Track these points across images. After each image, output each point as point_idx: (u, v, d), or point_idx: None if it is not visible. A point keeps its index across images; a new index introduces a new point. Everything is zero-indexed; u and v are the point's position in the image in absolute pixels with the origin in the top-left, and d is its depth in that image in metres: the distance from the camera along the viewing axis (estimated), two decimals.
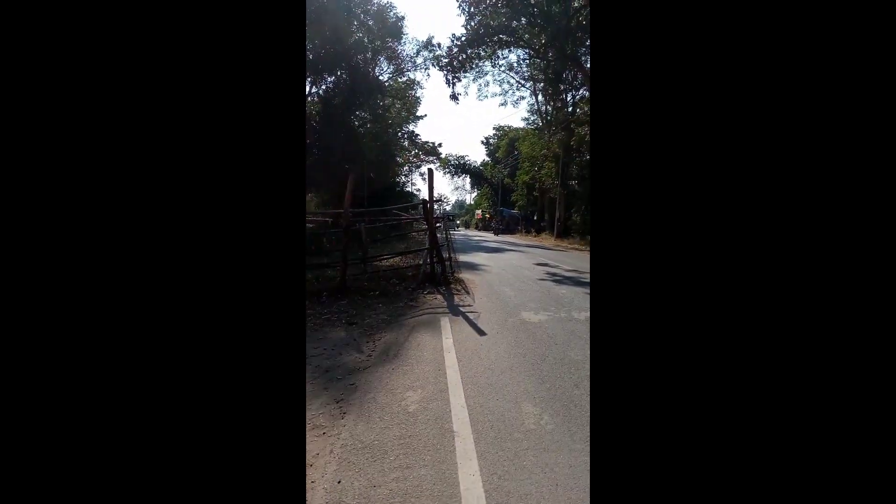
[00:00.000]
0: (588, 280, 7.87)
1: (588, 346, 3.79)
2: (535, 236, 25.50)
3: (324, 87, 19.31)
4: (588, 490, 1.82)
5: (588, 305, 5.49)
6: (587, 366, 3.32)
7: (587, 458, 2.05)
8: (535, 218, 30.18)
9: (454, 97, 21.96)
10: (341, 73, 18.75)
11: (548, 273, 8.71)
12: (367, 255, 7.17)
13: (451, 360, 3.43)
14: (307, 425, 2.38)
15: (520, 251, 14.37)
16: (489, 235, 27.92)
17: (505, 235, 26.90)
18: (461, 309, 5.28)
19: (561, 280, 7.81)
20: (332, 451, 2.12)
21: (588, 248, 16.60)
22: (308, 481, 1.89)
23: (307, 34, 15.69)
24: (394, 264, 8.20)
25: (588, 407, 2.61)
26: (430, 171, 6.55)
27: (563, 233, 22.31)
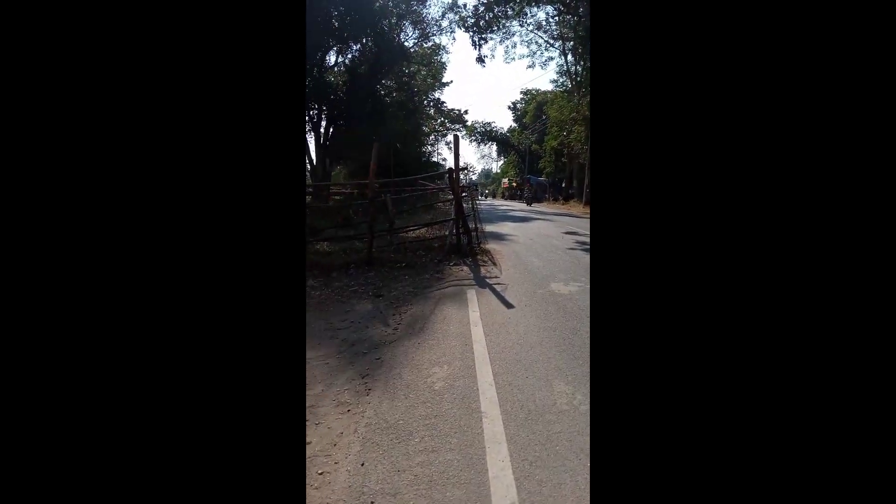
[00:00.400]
0: None
1: None
2: (563, 204, 24.79)
3: (349, 55, 18.82)
4: None
5: None
6: None
7: None
8: (563, 185, 29.27)
9: (480, 60, 21.07)
10: (366, 40, 18.17)
11: (577, 242, 8.40)
12: (394, 227, 7.08)
13: (477, 334, 3.32)
14: (333, 402, 2.34)
15: (547, 220, 13.99)
16: (516, 204, 27.37)
17: (534, 204, 26.20)
18: (488, 281, 5.14)
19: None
20: (356, 431, 2.06)
21: None
22: (332, 461, 1.84)
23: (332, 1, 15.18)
24: (420, 235, 8.08)
25: None
26: (456, 136, 6.28)
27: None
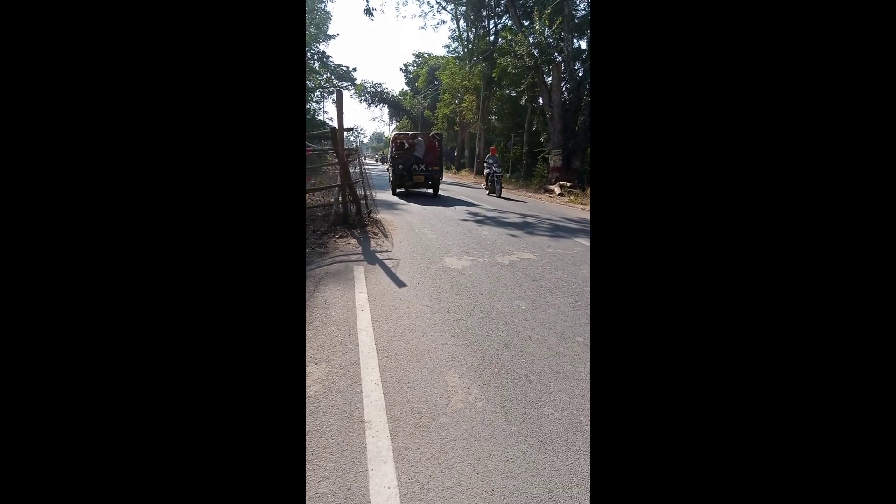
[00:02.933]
0: (510, 221, 7.70)
1: (514, 297, 3.51)
2: (454, 173, 25.01)
3: None
4: (526, 492, 1.51)
5: (511, 248, 5.26)
6: (514, 320, 3.03)
7: (525, 447, 1.73)
8: (456, 154, 29.51)
9: (368, 12, 19.60)
10: None
11: (469, 213, 8.37)
12: None
13: (364, 320, 2.93)
14: None
15: (441, 189, 13.86)
16: None
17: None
18: (378, 255, 4.72)
19: (483, 220, 7.51)
20: None
21: (504, 187, 16.60)
22: None
23: None
24: None
25: (522, 374, 2.30)
26: (339, 92, 5.53)
27: (483, 170, 22.09)
